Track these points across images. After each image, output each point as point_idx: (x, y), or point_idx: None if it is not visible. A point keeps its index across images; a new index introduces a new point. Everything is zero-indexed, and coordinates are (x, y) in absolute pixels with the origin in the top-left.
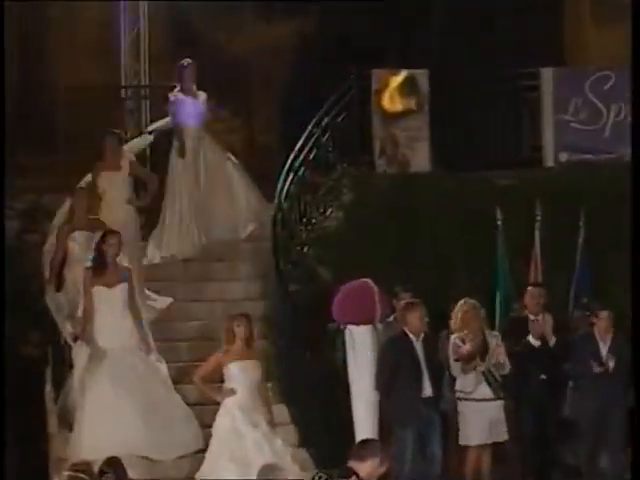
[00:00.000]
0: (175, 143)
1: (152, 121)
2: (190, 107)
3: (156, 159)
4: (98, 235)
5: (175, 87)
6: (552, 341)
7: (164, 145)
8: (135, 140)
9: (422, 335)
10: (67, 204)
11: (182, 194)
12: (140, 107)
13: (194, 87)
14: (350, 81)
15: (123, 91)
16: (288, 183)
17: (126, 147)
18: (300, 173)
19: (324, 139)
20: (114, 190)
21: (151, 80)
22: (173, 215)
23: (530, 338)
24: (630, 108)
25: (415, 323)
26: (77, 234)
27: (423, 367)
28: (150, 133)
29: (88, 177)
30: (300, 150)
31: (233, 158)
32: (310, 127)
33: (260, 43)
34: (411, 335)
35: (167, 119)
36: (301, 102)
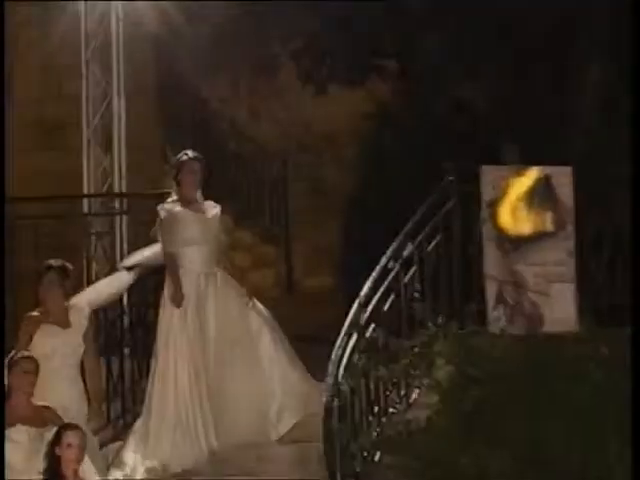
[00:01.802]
0: (167, 286)
1: (130, 250)
2: (193, 227)
3: (136, 313)
4: (49, 433)
5: (168, 195)
6: None
7: (149, 290)
8: (102, 282)
9: None
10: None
11: (178, 368)
12: (113, 227)
13: (199, 194)
14: (447, 185)
15: (85, 202)
16: (350, 348)
17: (83, 294)
18: (368, 332)
19: (406, 278)
20: (58, 356)
21: (129, 185)
22: (165, 403)
23: None
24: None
25: None
26: (14, 431)
27: None
28: (128, 270)
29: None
30: (369, 294)
31: (260, 306)
32: (385, 259)
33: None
34: None
35: (155, 247)
36: (370, 220)
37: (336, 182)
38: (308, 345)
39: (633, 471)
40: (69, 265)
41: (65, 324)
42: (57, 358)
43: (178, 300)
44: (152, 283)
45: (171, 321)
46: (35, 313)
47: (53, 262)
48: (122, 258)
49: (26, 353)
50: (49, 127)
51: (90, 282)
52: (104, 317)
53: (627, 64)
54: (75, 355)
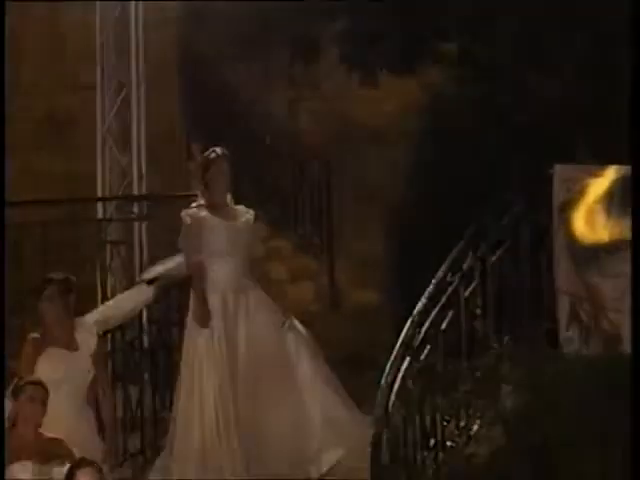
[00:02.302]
0: (193, 303)
1: (151, 261)
2: (222, 235)
3: (157, 333)
4: (60, 468)
5: (194, 199)
6: None
7: (172, 307)
8: (118, 298)
9: None
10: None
11: (205, 397)
12: (131, 235)
13: (229, 198)
14: (513, 187)
15: (100, 206)
16: (402, 373)
17: (97, 311)
18: (423, 355)
19: (467, 292)
20: (65, 383)
21: (150, 187)
22: (189, 437)
23: None
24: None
25: None
26: (18, 468)
27: None
28: (149, 283)
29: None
30: (424, 312)
31: (298, 326)
32: (442, 271)
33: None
34: None
35: (179, 258)
36: (424, 227)
37: (385, 185)
38: (353, 370)
39: (633, 471)
40: (72, 277)
41: (72, 346)
42: (64, 385)
43: (204, 319)
44: (176, 299)
45: (196, 343)
46: (36, 335)
47: (54, 275)
48: (142, 270)
49: (33, 378)
50: (58, 122)
51: (105, 297)
52: (121, 338)
53: None
54: (84, 382)
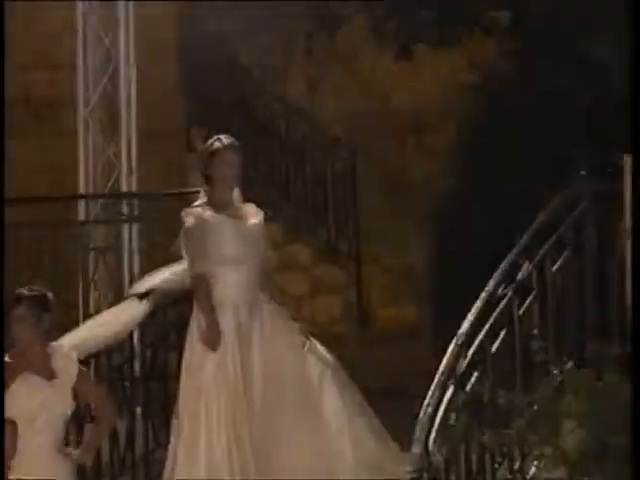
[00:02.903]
0: (196, 321)
1: (143, 271)
2: (231, 239)
3: (151, 358)
4: None
5: (196, 196)
6: None
7: (170, 326)
8: (104, 315)
9: None
10: None
11: (212, 433)
12: (119, 240)
13: (236, 195)
14: (576, 182)
15: (82, 206)
16: (444, 405)
17: (77, 332)
18: (470, 383)
19: (521, 309)
20: (41, 417)
21: (142, 183)
22: (193, 475)
23: None
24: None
25: None
26: None
27: None
28: (141, 298)
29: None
30: (471, 332)
31: (322, 348)
32: (493, 283)
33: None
34: None
35: (177, 268)
36: (469, 230)
37: (422, 178)
38: (387, 400)
39: (633, 472)
40: (48, 293)
41: (48, 374)
42: (39, 419)
43: (212, 341)
44: (174, 317)
45: (201, 370)
46: (8, 359)
47: (26, 290)
48: (132, 282)
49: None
50: (34, 104)
51: (87, 315)
52: (107, 364)
53: None
54: (63, 417)
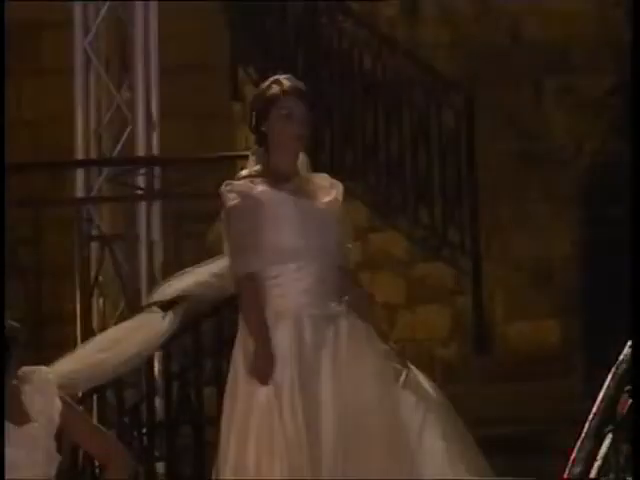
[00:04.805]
0: (242, 342)
1: (168, 272)
2: (296, 225)
3: (179, 394)
4: None
5: (244, 163)
6: None
7: (204, 350)
8: (110, 333)
9: None
10: None
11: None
12: (133, 225)
13: (302, 162)
14: None
15: (79, 176)
16: (599, 462)
17: (69, 359)
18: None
19: None
20: (20, 474)
21: (167, 144)
22: None
23: None
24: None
25: None
26: None
27: None
28: (164, 309)
29: None
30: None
31: (422, 379)
32: None
33: None
34: None
35: (216, 266)
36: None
37: (570, 143)
38: (515, 453)
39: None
40: (16, 326)
41: (19, 418)
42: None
43: (264, 370)
44: (211, 337)
45: (251, 407)
46: None
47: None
48: (151, 286)
49: None
50: (19, 33)
51: (88, 331)
52: (117, 402)
53: None
54: (44, 476)
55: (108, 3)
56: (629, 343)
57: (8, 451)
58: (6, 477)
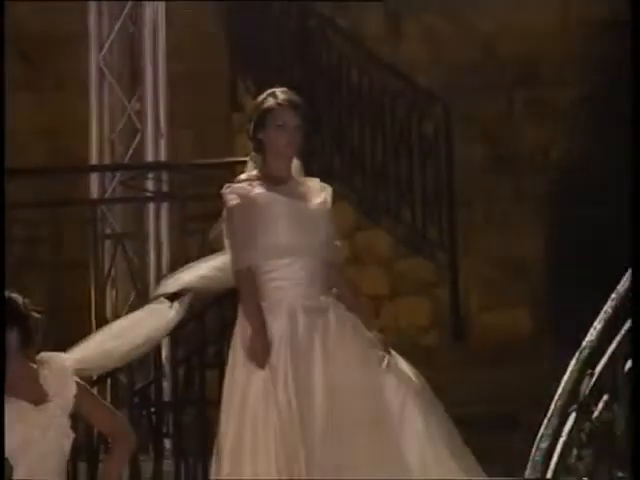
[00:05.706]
0: (241, 330)
1: (174, 266)
2: (289, 224)
3: (185, 379)
4: None
5: (242, 168)
6: None
7: (208, 337)
8: (121, 323)
9: None
10: None
11: (262, 468)
12: (142, 224)
13: (296, 167)
14: None
15: (94, 180)
16: (563, 438)
17: (83, 347)
18: (596, 410)
19: None
20: (32, 452)
21: (174, 151)
22: None
23: None
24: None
25: None
26: None
27: None
28: (171, 299)
29: None
30: (598, 343)
31: (405, 365)
32: (629, 276)
33: None
34: None
35: (217, 261)
36: (602, 214)
37: (539, 149)
38: (489, 431)
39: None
40: (25, 300)
41: (37, 398)
42: (27, 458)
43: (257, 354)
44: (213, 324)
45: (248, 391)
46: None
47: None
48: (160, 279)
49: None
50: (33, 46)
51: (101, 320)
52: (127, 386)
53: None
54: (59, 452)
55: (120, 21)
56: (594, 327)
57: (22, 429)
58: (19, 454)
